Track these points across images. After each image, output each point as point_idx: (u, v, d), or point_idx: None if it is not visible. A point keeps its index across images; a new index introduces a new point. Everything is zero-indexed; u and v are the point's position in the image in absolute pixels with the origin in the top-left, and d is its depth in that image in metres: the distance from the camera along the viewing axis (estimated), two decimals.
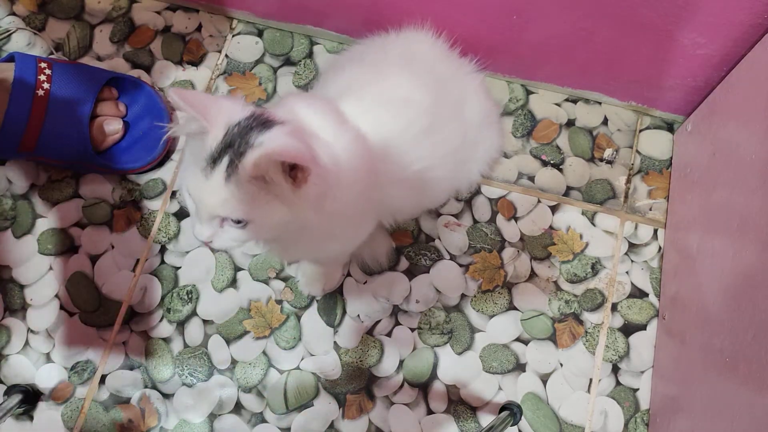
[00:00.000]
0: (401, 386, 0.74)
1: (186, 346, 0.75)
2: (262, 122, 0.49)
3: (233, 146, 0.48)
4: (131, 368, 0.74)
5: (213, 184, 0.48)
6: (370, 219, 0.64)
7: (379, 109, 0.60)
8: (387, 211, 0.68)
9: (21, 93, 0.70)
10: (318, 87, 0.73)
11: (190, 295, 0.77)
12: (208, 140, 0.49)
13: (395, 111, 0.61)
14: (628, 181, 0.82)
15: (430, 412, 0.73)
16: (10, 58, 0.74)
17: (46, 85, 0.72)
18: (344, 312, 0.76)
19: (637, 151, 0.83)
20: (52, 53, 0.86)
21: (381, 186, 0.60)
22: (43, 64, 0.73)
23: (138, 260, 0.78)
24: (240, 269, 0.78)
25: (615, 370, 0.75)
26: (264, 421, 0.73)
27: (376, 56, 0.69)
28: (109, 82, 0.78)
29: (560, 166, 0.83)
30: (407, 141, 0.61)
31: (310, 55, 0.87)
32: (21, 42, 0.87)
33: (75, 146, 0.74)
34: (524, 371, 0.75)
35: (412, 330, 0.76)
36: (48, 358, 0.75)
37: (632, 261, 0.79)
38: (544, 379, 0.74)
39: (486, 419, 0.73)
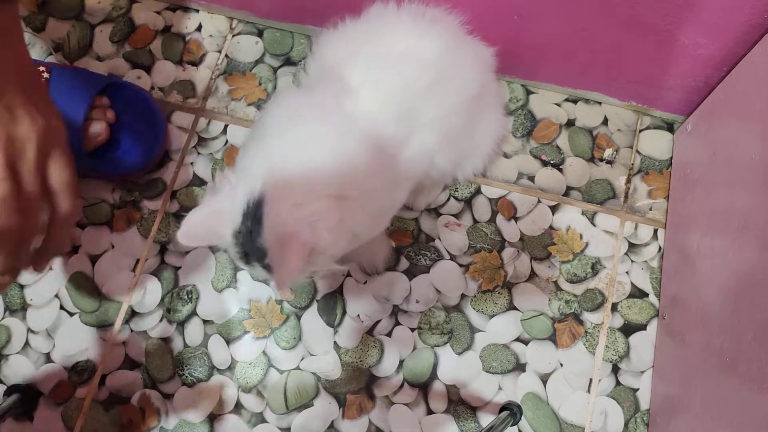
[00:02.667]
0: (401, 386, 0.74)
1: (186, 346, 0.75)
2: (254, 218, 0.52)
3: (251, 254, 0.53)
4: (131, 368, 0.74)
5: (260, 273, 0.55)
6: (403, 184, 0.64)
7: (376, 74, 0.59)
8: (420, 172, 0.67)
9: None
10: (311, 65, 0.70)
11: (190, 295, 0.77)
12: (227, 245, 0.55)
13: (393, 69, 0.60)
14: (628, 181, 0.82)
15: (430, 412, 0.73)
16: None
17: None
18: (344, 312, 0.76)
19: (637, 151, 0.83)
20: (51, 53, 0.86)
21: (402, 147, 0.60)
22: (41, 68, 0.73)
23: (138, 260, 0.78)
24: (240, 269, 0.78)
25: (615, 370, 0.75)
26: (264, 421, 0.73)
27: (377, 16, 0.66)
28: (106, 87, 0.78)
29: (560, 166, 0.83)
30: (415, 95, 0.60)
31: (309, 55, 0.87)
32: None
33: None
34: (524, 371, 0.75)
35: (412, 330, 0.76)
36: (48, 358, 0.75)
37: (632, 261, 0.79)
38: (544, 379, 0.74)
39: (486, 419, 0.73)
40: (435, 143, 0.63)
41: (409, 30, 0.62)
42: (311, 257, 0.52)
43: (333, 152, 0.55)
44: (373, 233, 0.66)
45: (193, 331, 0.76)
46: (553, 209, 0.81)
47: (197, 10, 0.89)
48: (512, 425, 0.72)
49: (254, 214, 0.51)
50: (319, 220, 0.51)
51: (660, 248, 0.79)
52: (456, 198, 0.81)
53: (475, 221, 0.80)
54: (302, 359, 0.75)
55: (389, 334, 0.76)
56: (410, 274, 0.78)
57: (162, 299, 0.77)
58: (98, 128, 0.76)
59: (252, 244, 0.52)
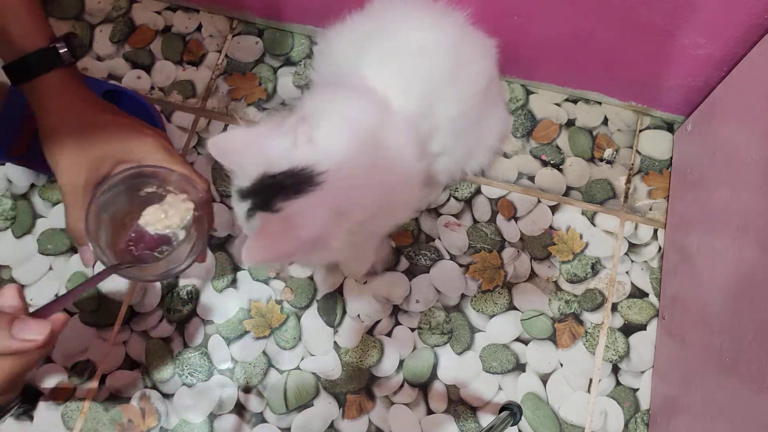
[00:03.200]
0: (401, 386, 0.74)
1: (186, 346, 0.75)
2: (298, 182, 0.49)
3: (257, 195, 0.50)
4: (131, 368, 0.74)
5: (239, 209, 0.52)
6: (417, 200, 0.64)
7: (404, 71, 0.59)
8: (434, 166, 0.67)
9: (16, 99, 0.70)
10: (320, 62, 0.71)
11: (190, 295, 0.77)
12: (241, 176, 0.52)
13: (416, 67, 0.59)
14: (628, 181, 0.82)
15: (430, 412, 0.73)
16: None
17: None
18: (344, 312, 0.76)
19: (637, 151, 0.84)
20: None
21: (427, 149, 0.60)
22: None
23: None
24: (240, 269, 0.78)
25: (615, 370, 0.75)
26: (264, 421, 0.73)
27: (383, 14, 0.66)
28: (106, 95, 0.77)
29: (560, 166, 0.83)
30: (439, 92, 0.60)
31: (310, 55, 0.87)
32: None
33: None
34: (524, 371, 0.75)
35: (412, 330, 0.76)
36: (48, 358, 0.75)
37: (632, 261, 0.79)
38: (544, 379, 0.74)
39: (486, 419, 0.73)
40: (452, 140, 0.64)
41: (420, 24, 0.62)
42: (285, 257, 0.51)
43: (387, 175, 0.54)
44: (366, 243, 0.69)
45: (193, 331, 0.76)
46: (553, 209, 0.81)
47: (197, 10, 0.89)
48: (512, 425, 0.72)
49: (299, 182, 0.49)
50: (330, 243, 0.50)
51: (660, 248, 0.79)
52: (456, 198, 0.81)
53: (475, 221, 0.80)
54: (302, 359, 0.75)
55: (389, 334, 0.76)
56: (410, 274, 0.78)
57: (162, 299, 0.77)
58: None
59: (272, 194, 0.50)
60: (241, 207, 0.52)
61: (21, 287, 0.44)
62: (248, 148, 0.51)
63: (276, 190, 0.50)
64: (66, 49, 0.57)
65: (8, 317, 0.40)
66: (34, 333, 0.40)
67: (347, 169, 0.51)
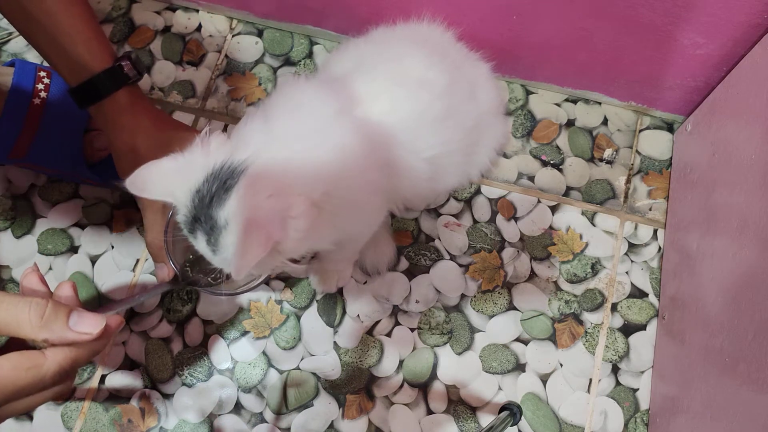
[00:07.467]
0: (401, 386, 0.74)
1: (186, 346, 0.75)
2: (222, 181, 0.46)
3: (200, 222, 0.47)
4: (131, 368, 0.74)
5: (201, 247, 0.49)
6: (381, 210, 0.63)
7: (393, 91, 0.58)
8: (398, 199, 0.67)
9: (17, 100, 0.70)
10: (323, 71, 0.71)
11: (190, 295, 0.77)
12: (178, 207, 0.49)
13: (410, 93, 0.59)
14: (628, 181, 0.82)
15: (430, 412, 0.73)
16: (12, 64, 0.73)
17: (43, 94, 0.71)
18: (344, 312, 0.76)
19: (637, 151, 0.84)
20: None
21: (394, 175, 0.59)
22: (42, 73, 0.72)
23: (138, 260, 0.78)
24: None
25: (615, 370, 0.75)
26: (264, 421, 0.73)
27: (385, 40, 0.67)
28: None
29: (560, 166, 0.83)
30: (423, 125, 0.59)
31: (310, 55, 0.87)
32: (21, 42, 0.87)
33: (67, 157, 0.73)
34: (524, 371, 0.75)
35: (412, 330, 0.76)
36: None
37: (632, 261, 0.79)
38: (544, 379, 0.74)
39: (486, 419, 0.73)
40: (432, 172, 0.63)
41: (421, 59, 0.62)
42: (272, 253, 0.47)
43: (332, 154, 0.51)
44: (340, 254, 0.69)
45: (193, 331, 0.76)
46: (553, 209, 0.81)
47: (197, 10, 0.89)
48: (512, 425, 0.72)
49: (224, 181, 0.46)
50: (292, 218, 0.47)
51: (660, 248, 0.79)
52: (456, 198, 0.81)
53: (475, 221, 0.80)
54: (302, 359, 0.75)
55: (389, 334, 0.76)
56: (410, 274, 0.78)
57: (162, 299, 0.77)
58: (103, 142, 0.76)
59: (207, 210, 0.47)
60: (200, 243, 0.49)
61: (75, 284, 0.44)
62: (165, 175, 0.48)
63: (209, 202, 0.46)
64: (131, 66, 0.58)
65: (66, 309, 0.40)
66: (90, 327, 0.40)
67: (275, 148, 0.48)
